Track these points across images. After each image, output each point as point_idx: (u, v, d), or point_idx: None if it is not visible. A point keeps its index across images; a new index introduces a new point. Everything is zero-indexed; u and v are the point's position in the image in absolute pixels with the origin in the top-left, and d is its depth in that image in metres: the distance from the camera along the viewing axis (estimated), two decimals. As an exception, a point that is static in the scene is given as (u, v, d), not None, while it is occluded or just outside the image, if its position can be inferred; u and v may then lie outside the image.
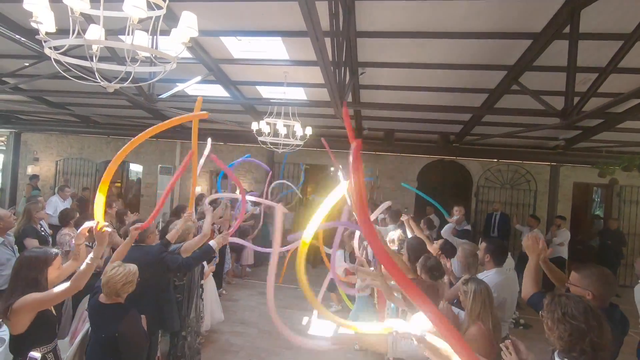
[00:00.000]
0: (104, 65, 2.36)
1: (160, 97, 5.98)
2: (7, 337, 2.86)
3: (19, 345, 2.13)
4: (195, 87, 6.51)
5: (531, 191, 9.27)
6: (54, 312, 2.32)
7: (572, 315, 1.60)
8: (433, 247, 3.59)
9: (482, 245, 3.15)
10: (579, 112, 4.36)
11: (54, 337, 2.29)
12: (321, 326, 5.37)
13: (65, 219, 4.37)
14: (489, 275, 2.99)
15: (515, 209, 9.24)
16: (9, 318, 2.08)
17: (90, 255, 2.13)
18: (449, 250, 3.43)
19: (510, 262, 5.32)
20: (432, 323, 1.17)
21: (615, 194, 9.09)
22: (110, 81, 2.44)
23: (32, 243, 4.11)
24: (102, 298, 2.40)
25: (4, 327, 2.95)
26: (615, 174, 7.30)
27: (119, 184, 12.48)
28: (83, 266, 2.15)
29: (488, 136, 7.44)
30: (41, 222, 4.62)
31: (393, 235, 3.95)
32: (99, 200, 2.11)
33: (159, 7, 2.18)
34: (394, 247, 3.76)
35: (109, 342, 2.34)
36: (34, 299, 2.09)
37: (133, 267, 2.45)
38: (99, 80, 2.26)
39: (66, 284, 2.14)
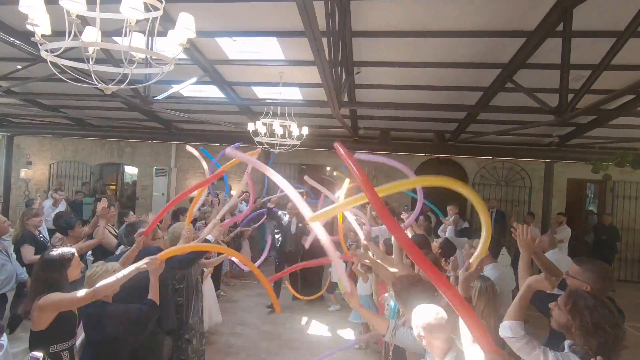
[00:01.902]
0: (101, 67, 2.35)
1: (155, 98, 5.95)
2: (4, 343, 2.85)
3: (39, 341, 2.17)
4: (190, 88, 6.49)
5: (526, 188, 9.36)
6: (75, 311, 2.33)
7: (604, 329, 1.61)
8: (433, 246, 3.61)
9: (476, 243, 3.14)
10: (573, 109, 4.41)
11: (73, 335, 2.30)
12: (320, 327, 5.38)
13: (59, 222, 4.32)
14: (485, 271, 3.03)
15: (511, 205, 9.32)
16: (32, 315, 2.14)
17: (124, 272, 2.12)
18: (448, 249, 3.46)
19: (507, 258, 5.39)
20: (452, 303, 1.29)
21: (609, 189, 9.20)
22: (105, 83, 2.43)
23: (27, 250, 4.01)
24: None
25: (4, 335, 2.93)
26: (608, 169, 7.38)
27: (113, 187, 12.38)
28: (111, 279, 2.14)
29: (483, 134, 7.49)
30: (41, 227, 4.54)
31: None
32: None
33: (156, 9, 2.18)
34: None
35: (99, 343, 2.32)
36: (58, 299, 2.15)
37: (111, 266, 2.40)
38: (96, 83, 2.25)
39: (86, 290, 2.15)
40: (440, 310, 1.85)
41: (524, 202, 9.33)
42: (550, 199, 8.86)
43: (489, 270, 3.05)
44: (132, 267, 2.11)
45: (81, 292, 2.15)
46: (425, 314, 1.84)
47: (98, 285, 2.14)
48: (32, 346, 2.20)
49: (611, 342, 1.60)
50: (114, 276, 2.16)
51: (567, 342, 1.78)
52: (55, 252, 2.37)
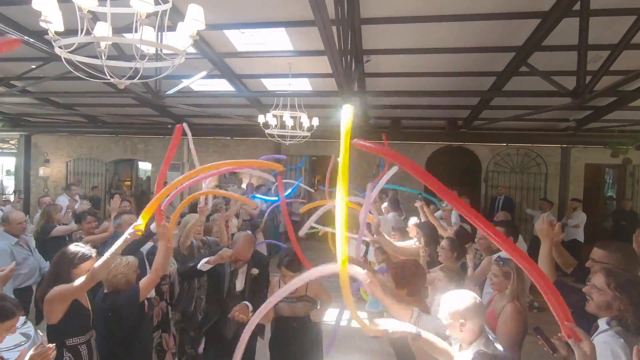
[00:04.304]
0: (113, 63, 2.37)
1: (167, 93, 6.00)
2: (32, 333, 2.95)
3: (55, 334, 2.21)
4: (200, 83, 6.52)
5: (542, 174, 9.17)
6: (87, 305, 2.36)
7: None
8: (447, 233, 3.59)
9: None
10: (591, 91, 4.29)
11: (87, 329, 2.32)
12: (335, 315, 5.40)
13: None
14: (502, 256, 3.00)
15: (526, 193, 9.16)
16: (44, 309, 2.19)
17: (112, 248, 2.13)
18: (464, 236, 3.44)
19: (522, 246, 5.30)
20: (528, 273, 1.37)
21: (629, 174, 8.95)
22: (118, 79, 2.45)
23: (58, 230, 4.28)
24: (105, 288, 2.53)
25: (29, 324, 3.04)
26: (628, 153, 7.17)
27: (128, 182, 12.60)
28: (104, 258, 2.14)
29: (496, 120, 7.34)
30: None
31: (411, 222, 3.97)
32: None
33: (165, 1, 2.18)
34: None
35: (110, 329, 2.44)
36: (62, 289, 2.18)
37: (125, 260, 2.50)
38: (109, 78, 2.28)
39: (84, 276, 2.19)
40: (476, 295, 1.83)
41: (539, 189, 9.14)
42: (567, 185, 8.68)
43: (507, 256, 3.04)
44: (119, 242, 2.10)
45: (81, 278, 2.18)
46: (463, 299, 1.79)
47: (95, 266, 2.15)
48: (50, 339, 2.21)
49: None
50: (106, 254, 2.13)
51: (602, 320, 1.73)
52: (72, 248, 2.35)
